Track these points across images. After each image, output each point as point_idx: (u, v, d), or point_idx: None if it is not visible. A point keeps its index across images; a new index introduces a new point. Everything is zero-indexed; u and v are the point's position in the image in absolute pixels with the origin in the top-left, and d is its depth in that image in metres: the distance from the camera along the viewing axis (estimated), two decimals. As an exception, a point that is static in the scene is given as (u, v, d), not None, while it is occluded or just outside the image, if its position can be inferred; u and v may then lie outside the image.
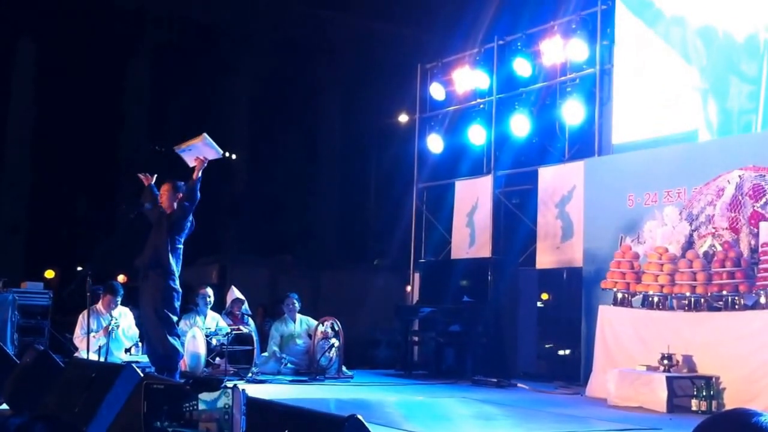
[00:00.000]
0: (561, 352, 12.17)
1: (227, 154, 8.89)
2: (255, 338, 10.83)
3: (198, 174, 8.85)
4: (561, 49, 12.21)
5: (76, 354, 10.13)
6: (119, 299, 10.63)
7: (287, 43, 22.20)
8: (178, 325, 9.19)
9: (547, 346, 13.00)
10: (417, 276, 14.10)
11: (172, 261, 8.77)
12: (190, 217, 8.97)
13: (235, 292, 11.70)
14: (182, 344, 9.37)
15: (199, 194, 8.89)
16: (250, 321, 11.65)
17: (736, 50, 10.28)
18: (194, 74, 22.48)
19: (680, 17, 10.98)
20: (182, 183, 9.09)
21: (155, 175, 9.28)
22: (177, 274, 8.82)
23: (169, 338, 8.69)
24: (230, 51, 22.52)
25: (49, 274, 17.59)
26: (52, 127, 21.87)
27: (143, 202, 9.11)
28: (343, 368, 11.11)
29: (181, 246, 8.91)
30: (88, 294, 10.30)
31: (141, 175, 9.31)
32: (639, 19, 11.48)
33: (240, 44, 22.40)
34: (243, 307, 11.64)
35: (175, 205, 8.97)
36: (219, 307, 11.67)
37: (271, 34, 22.12)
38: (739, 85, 10.19)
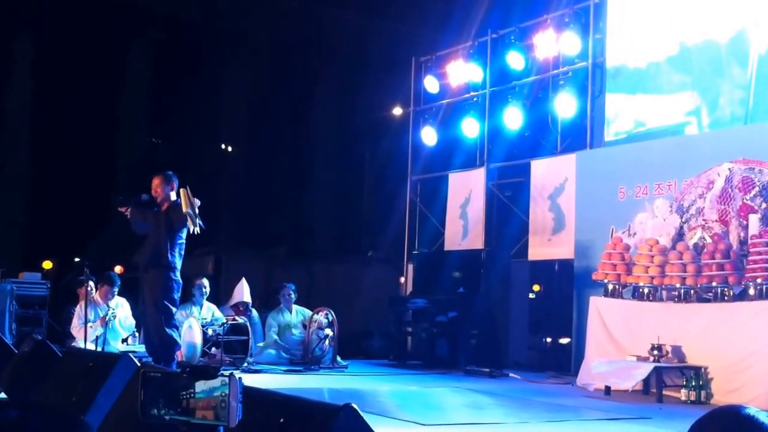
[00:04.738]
0: (563, 340, 12.24)
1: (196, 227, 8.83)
2: (250, 329, 10.90)
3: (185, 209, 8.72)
4: (554, 42, 12.29)
5: (73, 344, 10.21)
6: (116, 290, 10.72)
7: (282, 37, 22.22)
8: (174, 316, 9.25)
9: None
10: (410, 267, 14.18)
11: (172, 256, 8.78)
12: None
13: (244, 294, 11.46)
14: (180, 335, 9.42)
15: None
16: (254, 312, 11.63)
17: (724, 55, 10.32)
18: (191, 68, 22.49)
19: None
20: (172, 173, 9.13)
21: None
22: (178, 267, 8.85)
23: (167, 329, 8.75)
24: (225, 46, 22.54)
25: (47, 264, 17.62)
26: (50, 119, 21.87)
27: (138, 196, 9.13)
28: (338, 358, 11.20)
29: (183, 241, 8.94)
30: (86, 285, 10.40)
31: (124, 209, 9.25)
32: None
33: (235, 39, 22.42)
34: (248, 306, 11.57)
35: (173, 195, 8.99)
36: (215, 298, 11.72)
37: (266, 28, 22.12)
38: (729, 93, 10.24)
